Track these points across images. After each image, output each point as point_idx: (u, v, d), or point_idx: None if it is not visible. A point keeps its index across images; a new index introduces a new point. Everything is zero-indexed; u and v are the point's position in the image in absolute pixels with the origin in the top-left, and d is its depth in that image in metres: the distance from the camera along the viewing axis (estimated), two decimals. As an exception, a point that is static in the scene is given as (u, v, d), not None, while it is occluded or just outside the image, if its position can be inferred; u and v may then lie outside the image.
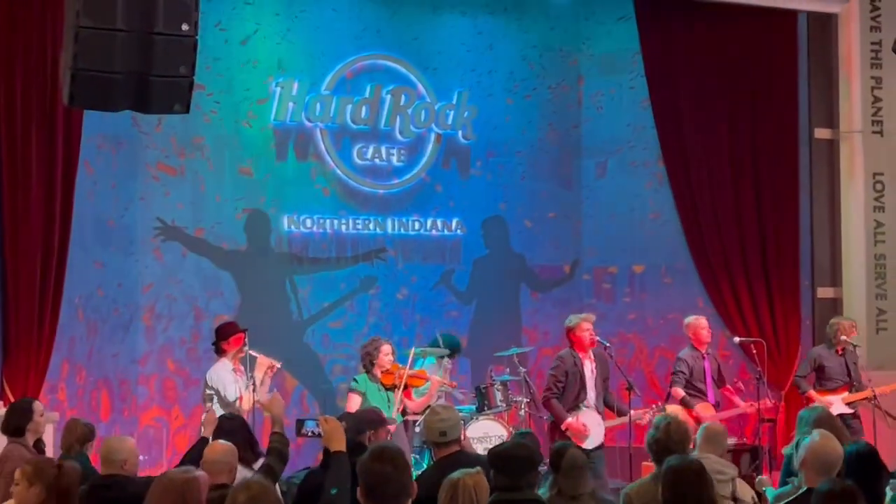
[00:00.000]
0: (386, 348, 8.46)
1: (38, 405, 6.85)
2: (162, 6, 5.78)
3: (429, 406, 8.62)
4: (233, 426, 6.10)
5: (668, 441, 5.21)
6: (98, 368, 9.43)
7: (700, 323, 9.50)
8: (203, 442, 5.97)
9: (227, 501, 3.96)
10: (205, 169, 10.08)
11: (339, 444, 4.99)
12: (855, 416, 9.36)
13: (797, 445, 5.58)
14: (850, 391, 9.44)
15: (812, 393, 9.46)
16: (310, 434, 5.62)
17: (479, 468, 4.39)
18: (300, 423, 5.59)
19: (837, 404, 9.33)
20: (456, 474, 4.36)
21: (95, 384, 9.40)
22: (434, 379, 8.77)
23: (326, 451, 5.60)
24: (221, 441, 5.55)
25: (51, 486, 4.56)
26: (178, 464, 5.53)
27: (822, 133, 10.88)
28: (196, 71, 6.00)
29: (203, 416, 6.11)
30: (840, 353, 9.54)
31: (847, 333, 9.49)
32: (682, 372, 9.31)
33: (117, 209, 9.68)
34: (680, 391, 9.27)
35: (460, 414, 6.66)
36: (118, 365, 9.61)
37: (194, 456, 5.55)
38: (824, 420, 6.06)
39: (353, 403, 8.25)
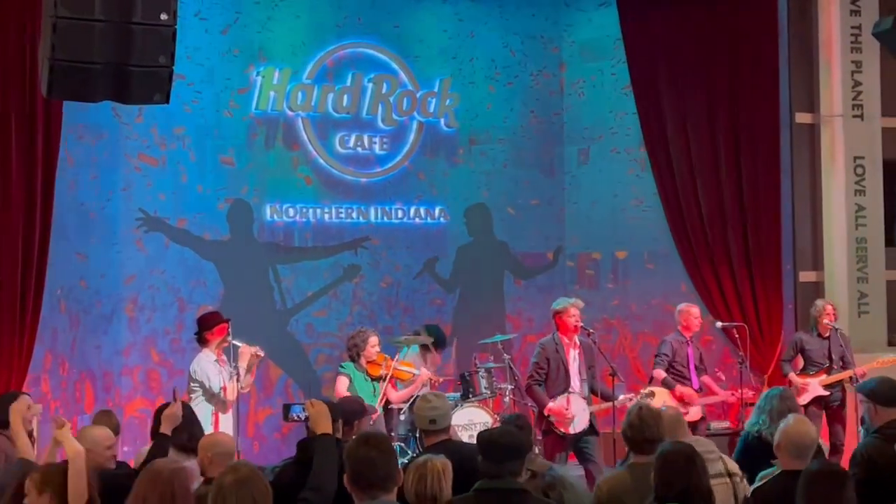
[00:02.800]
0: (373, 340, 8.52)
1: (26, 397, 6.80)
2: (140, -4, 5.76)
3: (412, 398, 8.64)
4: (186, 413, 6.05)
5: (643, 426, 5.15)
6: (81, 360, 9.40)
7: (691, 311, 9.55)
8: (163, 438, 5.76)
9: (215, 483, 3.95)
10: (186, 159, 10.05)
11: (325, 426, 4.99)
12: (834, 398, 9.41)
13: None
14: (830, 375, 9.48)
15: (792, 376, 9.53)
16: (296, 419, 5.60)
17: (443, 455, 4.41)
18: (287, 408, 5.57)
19: (815, 387, 9.39)
20: (423, 457, 4.38)
21: (79, 376, 9.38)
22: (423, 372, 8.76)
23: (300, 442, 5.59)
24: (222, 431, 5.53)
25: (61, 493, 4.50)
26: (143, 462, 5.38)
27: (802, 117, 10.90)
28: (176, 61, 5.98)
29: (165, 411, 5.98)
30: (825, 336, 9.58)
31: (820, 315, 9.54)
32: (665, 354, 9.38)
33: (99, 200, 9.64)
34: (661, 373, 9.31)
35: (451, 403, 6.69)
36: (101, 356, 9.59)
37: (158, 454, 5.43)
38: (784, 397, 6.12)
39: (342, 386, 8.35)
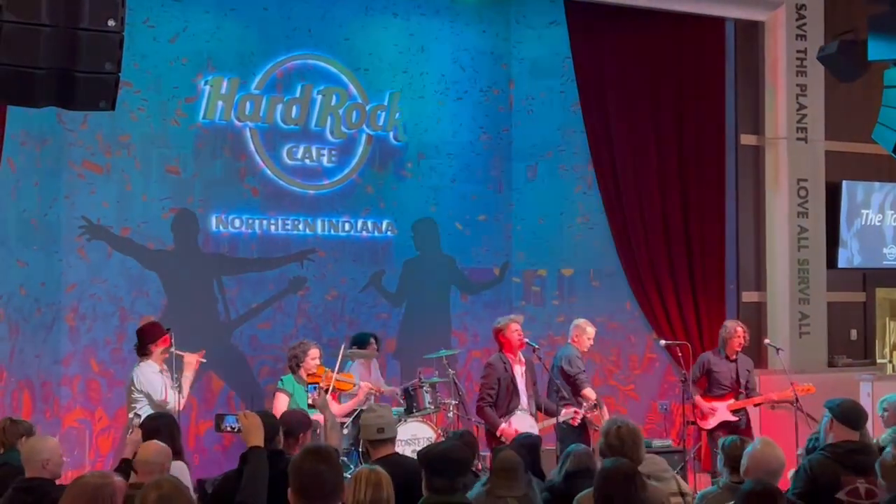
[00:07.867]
0: (314, 352, 8.46)
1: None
2: (88, 1, 5.70)
3: (354, 411, 8.59)
4: (156, 426, 5.98)
5: (623, 446, 5.11)
6: (20, 369, 9.24)
7: (586, 329, 9.34)
8: (125, 463, 5.68)
9: (138, 500, 3.90)
10: (131, 167, 9.94)
11: (258, 439, 4.94)
12: (740, 422, 9.40)
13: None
14: (737, 398, 9.47)
15: (698, 399, 9.44)
16: (229, 429, 5.52)
17: (376, 466, 4.39)
18: (220, 418, 5.49)
19: (722, 411, 9.40)
20: (359, 468, 4.36)
21: (17, 385, 9.22)
22: (363, 384, 8.73)
23: (244, 454, 5.53)
24: (156, 441, 5.47)
25: None
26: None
27: (747, 139, 11.05)
28: (123, 68, 5.94)
29: (128, 435, 5.92)
30: (732, 359, 9.52)
31: (731, 338, 9.47)
32: (581, 370, 9.13)
33: (41, 207, 9.51)
34: (592, 392, 9.18)
35: (395, 416, 6.66)
36: (41, 365, 9.44)
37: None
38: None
39: (281, 403, 8.23)
